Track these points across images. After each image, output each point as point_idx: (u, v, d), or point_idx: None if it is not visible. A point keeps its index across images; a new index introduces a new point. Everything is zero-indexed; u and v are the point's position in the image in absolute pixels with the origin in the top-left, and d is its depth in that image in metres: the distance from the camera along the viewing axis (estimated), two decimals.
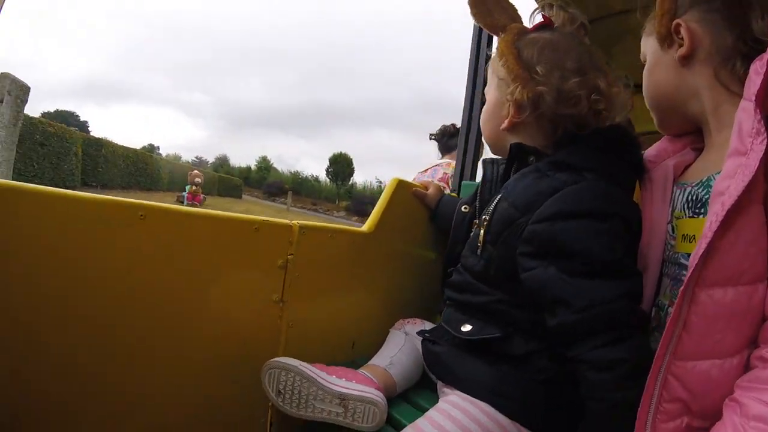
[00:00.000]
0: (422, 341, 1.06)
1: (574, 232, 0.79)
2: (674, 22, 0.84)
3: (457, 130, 2.87)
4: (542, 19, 1.00)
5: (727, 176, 0.62)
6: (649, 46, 0.93)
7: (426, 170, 3.00)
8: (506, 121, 0.97)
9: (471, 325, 0.92)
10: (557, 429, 0.86)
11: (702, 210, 0.79)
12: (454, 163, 2.95)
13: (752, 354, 0.64)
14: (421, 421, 0.85)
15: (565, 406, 0.85)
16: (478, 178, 1.76)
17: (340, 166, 48.50)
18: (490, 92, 1.03)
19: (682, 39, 0.83)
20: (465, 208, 1.16)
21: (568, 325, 0.75)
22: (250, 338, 1.04)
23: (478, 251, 0.93)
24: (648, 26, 0.93)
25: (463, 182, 1.75)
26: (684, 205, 0.83)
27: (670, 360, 0.65)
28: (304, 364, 0.98)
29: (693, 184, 0.83)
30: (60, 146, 11.74)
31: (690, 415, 0.65)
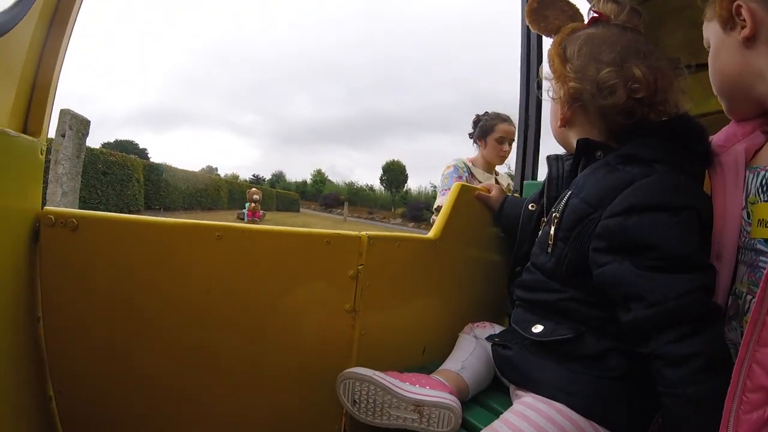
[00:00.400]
0: (492, 346, 1.07)
1: (647, 226, 0.79)
2: (735, 4, 0.82)
3: (479, 119, 2.66)
4: (594, 15, 1.00)
5: None
6: (711, 31, 0.91)
7: None
8: (559, 119, 0.99)
9: (542, 325, 0.93)
10: (633, 426, 0.85)
11: None
12: (450, 163, 2.66)
13: None
14: (496, 424, 0.85)
15: (639, 403, 0.84)
16: (540, 177, 1.74)
17: (394, 173, 48.70)
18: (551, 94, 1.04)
19: (744, 20, 0.82)
20: (532, 206, 1.16)
21: (643, 320, 0.75)
22: (324, 347, 1.08)
23: (549, 249, 0.93)
24: (708, 12, 0.91)
25: (525, 182, 1.74)
26: (758, 189, 0.80)
27: (754, 347, 0.63)
28: (378, 373, 1.00)
29: (766, 168, 0.80)
30: (122, 173, 12.31)
31: None
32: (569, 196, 0.92)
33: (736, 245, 0.82)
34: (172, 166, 17.82)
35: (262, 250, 0.97)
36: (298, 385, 1.07)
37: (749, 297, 0.77)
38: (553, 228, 0.93)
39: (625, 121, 0.91)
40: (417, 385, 0.99)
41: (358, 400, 1.00)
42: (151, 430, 0.95)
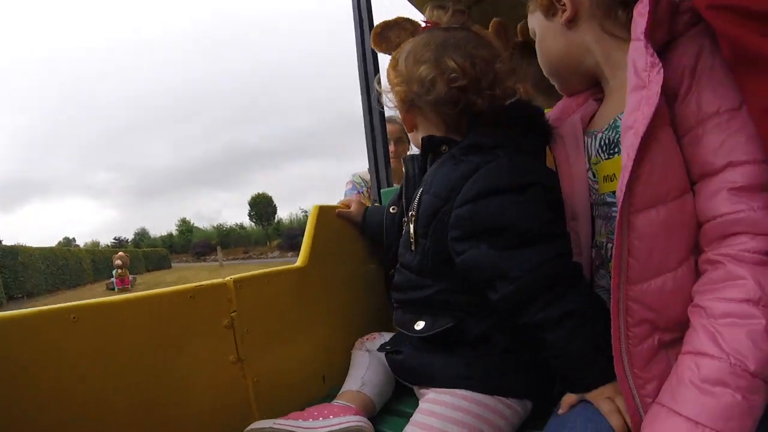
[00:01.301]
0: (385, 354, 1.08)
1: (496, 208, 0.84)
2: None
3: None
4: (424, 26, 1.06)
5: (633, 110, 0.68)
6: (535, 21, 1.00)
7: None
8: (406, 124, 1.05)
9: (423, 321, 0.96)
10: (537, 390, 0.91)
11: (616, 150, 0.85)
12: (348, 179, 2.65)
13: (699, 259, 0.70)
14: (408, 429, 0.87)
15: (534, 370, 0.90)
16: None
17: (262, 206, 47.60)
18: None
19: (564, 5, 0.90)
20: (393, 209, 1.21)
21: (510, 296, 0.81)
22: (220, 406, 1.01)
23: (412, 246, 0.97)
24: (531, 4, 1.00)
25: (382, 190, 1.78)
26: (598, 150, 0.89)
27: (625, 288, 0.70)
28: (278, 420, 0.96)
29: (602, 130, 0.89)
30: None
31: (660, 332, 0.70)
32: (421, 192, 0.96)
33: (589, 203, 0.91)
34: (27, 245, 16.08)
35: (125, 322, 0.88)
36: None
37: (609, 245, 0.86)
38: (412, 226, 0.97)
39: (452, 110, 0.96)
40: (320, 418, 0.97)
41: None
42: None
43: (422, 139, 1.01)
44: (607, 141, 0.87)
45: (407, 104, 1.01)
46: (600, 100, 0.97)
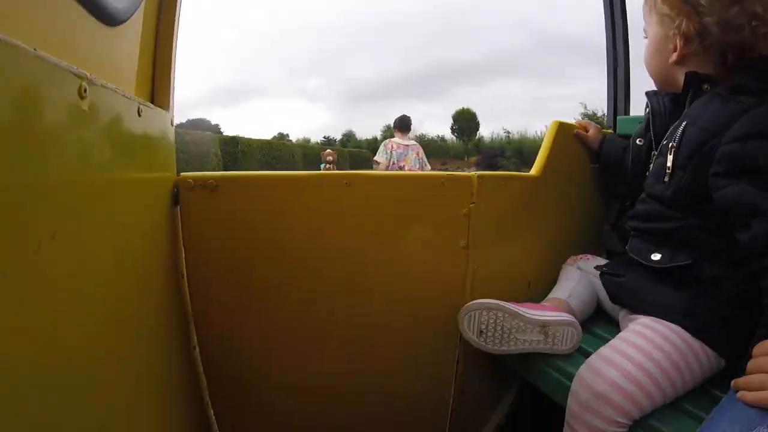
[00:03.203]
0: (601, 275, 1.12)
1: (764, 151, 0.83)
2: None
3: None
4: None
5: None
6: None
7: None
8: (675, 54, 1.00)
9: (660, 253, 0.98)
10: (731, 349, 0.89)
11: None
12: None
13: None
14: (615, 341, 0.93)
15: (747, 328, 0.86)
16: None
17: (465, 121, 47.55)
18: (652, 30, 1.06)
19: None
20: (639, 140, 1.20)
21: (763, 235, 0.79)
22: (440, 282, 1.16)
23: (666, 178, 0.98)
24: None
25: (618, 117, 1.74)
26: None
27: None
28: (503, 302, 1.06)
29: None
30: (199, 150, 13.04)
31: None
32: (685, 126, 0.96)
33: None
34: (246, 137, 18.65)
35: (385, 193, 1.05)
36: (418, 318, 1.14)
37: None
38: (670, 158, 0.97)
39: (738, 54, 0.93)
40: (537, 310, 1.07)
41: (485, 330, 1.05)
42: (273, 377, 1.04)
43: (687, 74, 0.99)
44: None
45: (694, 37, 0.97)
46: None
